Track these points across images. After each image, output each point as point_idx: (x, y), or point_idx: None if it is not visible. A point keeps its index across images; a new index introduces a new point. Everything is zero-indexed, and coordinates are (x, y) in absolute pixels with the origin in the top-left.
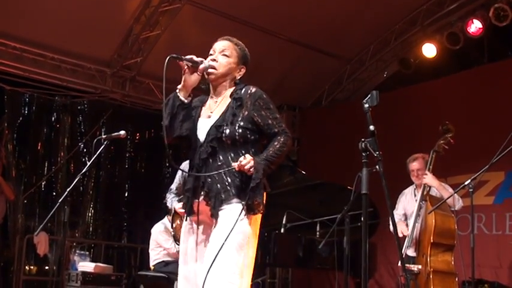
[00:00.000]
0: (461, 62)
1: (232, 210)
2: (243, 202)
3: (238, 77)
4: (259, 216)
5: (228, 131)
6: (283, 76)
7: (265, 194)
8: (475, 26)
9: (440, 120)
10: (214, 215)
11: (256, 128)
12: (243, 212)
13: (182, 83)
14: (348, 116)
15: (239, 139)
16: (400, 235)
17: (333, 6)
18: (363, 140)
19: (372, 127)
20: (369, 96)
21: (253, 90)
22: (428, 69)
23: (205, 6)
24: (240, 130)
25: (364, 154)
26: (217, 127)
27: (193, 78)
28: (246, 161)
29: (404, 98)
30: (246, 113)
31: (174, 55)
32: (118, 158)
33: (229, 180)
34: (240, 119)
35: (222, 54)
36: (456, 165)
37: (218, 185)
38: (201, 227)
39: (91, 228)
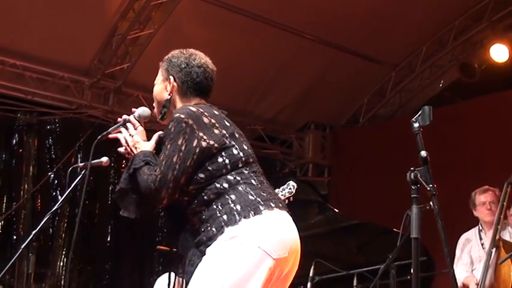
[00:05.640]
0: None
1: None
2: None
3: (168, 95)
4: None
5: None
6: (309, 86)
7: None
8: None
9: None
10: None
11: None
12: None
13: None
14: (392, 137)
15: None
16: None
17: None
18: (412, 169)
19: (423, 153)
20: (420, 112)
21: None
22: (498, 77)
23: None
24: None
25: (414, 187)
26: None
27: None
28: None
29: (467, 114)
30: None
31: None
32: (99, 192)
33: None
34: None
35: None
36: None
37: None
38: None
39: (63, 282)
